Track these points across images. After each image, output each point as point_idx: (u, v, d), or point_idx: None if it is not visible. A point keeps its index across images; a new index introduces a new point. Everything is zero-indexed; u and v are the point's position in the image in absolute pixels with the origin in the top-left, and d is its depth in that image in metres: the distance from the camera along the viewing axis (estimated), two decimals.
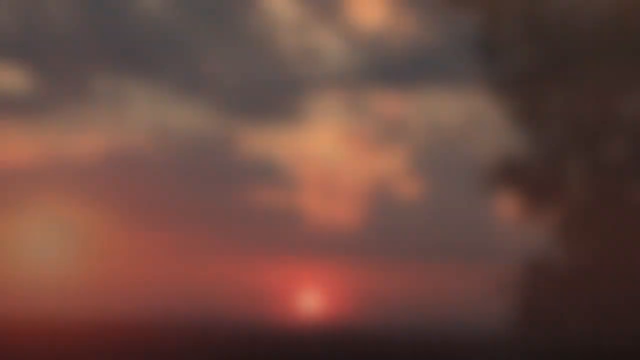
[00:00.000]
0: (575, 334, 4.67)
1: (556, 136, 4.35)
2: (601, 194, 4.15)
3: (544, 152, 4.27)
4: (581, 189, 4.17)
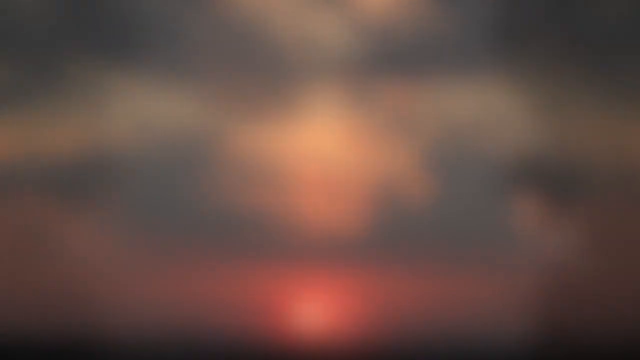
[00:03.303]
0: (597, 345, 4.47)
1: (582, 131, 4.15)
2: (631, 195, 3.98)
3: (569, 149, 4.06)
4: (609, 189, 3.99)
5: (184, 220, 1.82)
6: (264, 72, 1.79)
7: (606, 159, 3.16)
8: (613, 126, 3.10)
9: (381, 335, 1.72)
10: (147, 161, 1.92)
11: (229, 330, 1.63)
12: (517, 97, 3.40)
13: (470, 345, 1.84)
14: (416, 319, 1.77)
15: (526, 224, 2.09)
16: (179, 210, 1.82)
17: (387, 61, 1.95)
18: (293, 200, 1.91)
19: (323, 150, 1.96)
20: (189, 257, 1.79)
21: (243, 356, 1.60)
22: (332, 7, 1.97)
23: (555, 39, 3.50)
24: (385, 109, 2.00)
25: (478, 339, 1.84)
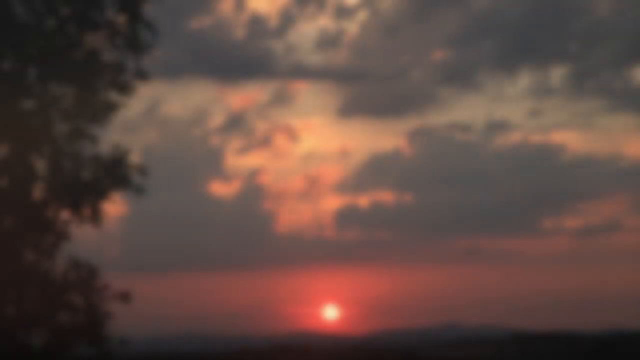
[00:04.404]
0: None
1: None
2: None
3: None
4: None
5: (185, 220, 1.84)
6: (264, 73, 1.81)
7: (603, 158, 3.11)
8: (610, 127, 3.07)
9: (380, 333, 1.75)
10: (153, 160, 1.95)
11: (230, 331, 1.66)
12: (517, 96, 3.33)
13: (467, 340, 1.87)
14: (415, 316, 1.80)
15: (522, 219, 2.10)
16: (179, 211, 1.84)
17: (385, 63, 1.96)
18: (290, 200, 1.93)
19: (322, 151, 1.97)
20: (193, 258, 1.81)
21: (246, 356, 1.64)
22: (330, 9, 1.99)
23: (554, 41, 3.40)
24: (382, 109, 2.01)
25: (474, 335, 1.87)
